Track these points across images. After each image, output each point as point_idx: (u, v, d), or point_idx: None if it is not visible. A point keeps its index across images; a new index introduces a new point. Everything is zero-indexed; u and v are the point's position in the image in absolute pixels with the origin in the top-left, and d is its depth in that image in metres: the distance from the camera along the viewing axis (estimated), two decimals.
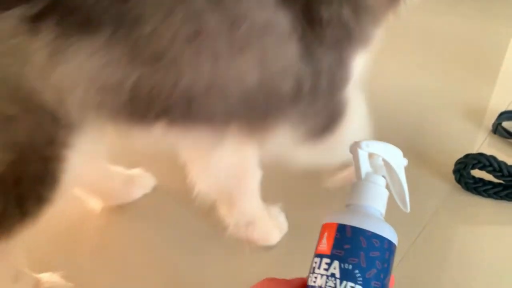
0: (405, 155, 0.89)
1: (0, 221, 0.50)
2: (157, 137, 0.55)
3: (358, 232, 0.30)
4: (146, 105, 0.51)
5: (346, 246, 0.30)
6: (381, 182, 0.34)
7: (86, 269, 0.65)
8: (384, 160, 0.35)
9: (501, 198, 0.72)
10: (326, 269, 0.30)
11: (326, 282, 0.29)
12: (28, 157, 0.49)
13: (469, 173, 0.73)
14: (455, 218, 0.72)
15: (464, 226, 0.71)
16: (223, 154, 0.60)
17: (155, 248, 0.68)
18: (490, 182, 0.73)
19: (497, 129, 0.87)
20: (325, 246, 0.31)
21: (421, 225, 0.70)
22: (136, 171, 0.76)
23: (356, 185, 0.34)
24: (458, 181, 0.75)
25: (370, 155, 0.35)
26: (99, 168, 0.68)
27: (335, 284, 0.29)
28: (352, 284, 0.29)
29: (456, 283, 0.62)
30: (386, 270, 0.31)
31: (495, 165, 0.71)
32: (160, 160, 0.72)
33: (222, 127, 0.56)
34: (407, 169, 0.84)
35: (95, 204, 0.72)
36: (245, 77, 0.51)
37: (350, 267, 0.29)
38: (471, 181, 0.73)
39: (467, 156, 0.74)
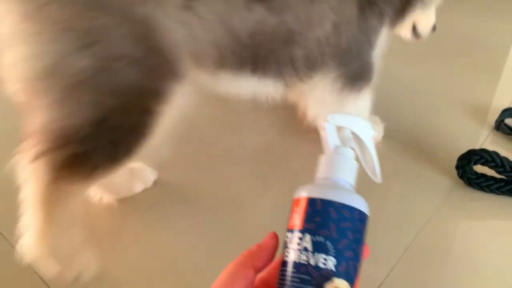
0: (408, 151, 0.90)
1: (89, 162, 0.52)
2: (250, 85, 0.67)
3: (327, 204, 0.30)
4: (255, 50, 0.60)
5: (317, 219, 0.30)
6: (349, 154, 0.34)
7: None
8: (352, 132, 0.34)
9: (503, 193, 0.73)
10: (299, 243, 0.30)
11: (299, 256, 0.29)
12: (131, 106, 0.51)
13: (471, 168, 0.74)
14: (458, 213, 0.73)
15: (466, 221, 0.72)
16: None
17: (155, 241, 0.69)
18: (492, 178, 0.74)
19: (500, 126, 0.87)
20: (297, 220, 0.31)
21: (424, 219, 0.71)
22: (137, 164, 0.76)
23: (324, 158, 0.34)
24: (461, 176, 0.75)
25: (339, 128, 0.34)
26: None
27: (308, 257, 0.29)
28: (325, 256, 0.29)
29: (458, 277, 0.63)
30: (358, 240, 0.31)
31: (498, 160, 0.72)
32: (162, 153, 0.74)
33: (299, 71, 0.67)
34: (410, 165, 0.85)
35: (100, 197, 0.73)
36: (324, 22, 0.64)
37: (322, 239, 0.29)
38: (474, 177, 0.74)
39: (469, 152, 0.75)
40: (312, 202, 0.31)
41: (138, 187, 0.75)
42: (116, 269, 0.65)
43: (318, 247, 0.29)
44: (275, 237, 0.32)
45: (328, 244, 0.29)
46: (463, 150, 0.77)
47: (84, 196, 0.68)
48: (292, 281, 0.29)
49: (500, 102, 0.96)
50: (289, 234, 0.31)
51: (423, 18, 0.80)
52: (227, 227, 0.69)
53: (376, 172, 0.36)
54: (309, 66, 0.68)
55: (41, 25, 0.47)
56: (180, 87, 0.54)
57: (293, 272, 0.29)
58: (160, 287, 0.62)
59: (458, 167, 0.76)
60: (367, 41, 0.71)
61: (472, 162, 0.73)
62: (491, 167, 0.73)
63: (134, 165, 0.75)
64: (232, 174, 0.80)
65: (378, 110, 0.99)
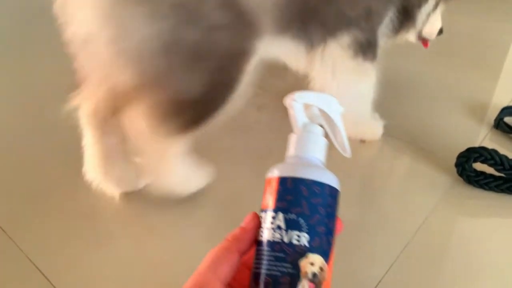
0: (407, 149, 0.90)
1: (189, 116, 0.60)
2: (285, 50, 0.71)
3: (298, 182, 0.30)
4: (303, 6, 0.65)
5: (289, 198, 0.30)
6: (317, 131, 0.34)
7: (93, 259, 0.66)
8: (319, 109, 0.34)
9: (502, 191, 0.73)
10: (272, 222, 0.30)
11: (273, 234, 0.30)
12: (228, 66, 0.59)
13: (471, 166, 0.74)
14: (457, 211, 0.73)
15: (465, 218, 0.72)
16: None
17: (158, 236, 0.70)
18: (491, 176, 0.74)
19: (499, 124, 0.87)
20: (269, 200, 0.31)
21: (423, 217, 0.71)
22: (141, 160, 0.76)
23: (293, 137, 0.34)
24: (460, 174, 0.75)
25: (306, 106, 0.34)
26: (117, 152, 0.72)
27: (282, 235, 0.30)
28: (298, 233, 0.29)
29: (457, 275, 0.63)
30: (330, 214, 0.32)
31: (497, 158, 0.72)
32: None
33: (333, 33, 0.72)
34: (409, 163, 0.85)
35: (108, 190, 0.74)
36: None
37: (294, 216, 0.30)
38: (473, 174, 0.74)
39: (469, 149, 0.74)
40: (283, 181, 0.31)
41: (141, 183, 0.75)
42: (120, 265, 0.65)
43: (291, 225, 0.30)
44: (256, 216, 0.33)
45: (301, 220, 0.30)
46: (462, 148, 0.76)
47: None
48: (268, 260, 0.30)
49: (500, 100, 0.96)
50: (262, 214, 0.32)
51: (428, 24, 0.83)
52: (231, 224, 0.68)
53: (345, 147, 0.36)
54: (338, 25, 0.73)
55: (154, 5, 0.52)
56: (260, 46, 0.62)
57: (268, 251, 0.30)
58: (164, 281, 0.62)
59: (457, 165, 0.76)
60: (382, 12, 0.77)
61: (472, 160, 0.73)
62: (490, 165, 0.73)
63: (139, 160, 0.76)
64: (234, 173, 0.80)
65: (377, 108, 0.99)
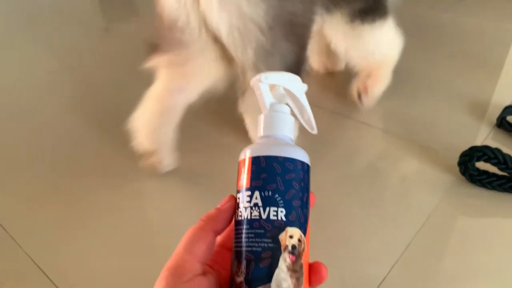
0: (409, 147, 0.90)
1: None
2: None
3: (271, 160, 0.31)
4: None
5: (263, 176, 0.31)
6: (285, 109, 0.35)
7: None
8: (285, 88, 0.35)
9: (505, 190, 0.73)
10: (249, 201, 0.31)
11: (251, 212, 0.31)
12: (305, 34, 0.74)
13: (473, 165, 0.73)
14: (459, 210, 0.73)
15: (467, 218, 0.72)
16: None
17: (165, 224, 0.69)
18: (494, 175, 0.73)
19: (502, 123, 0.87)
20: (244, 180, 0.32)
21: (425, 216, 0.71)
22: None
23: (262, 118, 0.35)
24: (463, 173, 0.75)
25: (272, 87, 0.35)
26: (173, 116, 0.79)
27: (259, 211, 0.30)
28: (275, 208, 0.30)
29: (459, 274, 0.62)
30: (304, 188, 0.32)
31: (500, 157, 0.71)
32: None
33: None
34: (411, 162, 0.85)
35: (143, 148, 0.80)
36: None
37: (270, 193, 0.31)
38: (476, 173, 0.74)
39: (472, 148, 0.74)
40: (256, 161, 0.32)
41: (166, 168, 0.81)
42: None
43: (267, 201, 0.31)
44: (233, 198, 0.33)
45: (277, 196, 0.31)
46: (465, 147, 0.76)
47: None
48: (248, 237, 0.30)
49: (502, 99, 0.95)
50: (239, 195, 0.32)
51: None
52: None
53: (312, 124, 0.37)
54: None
55: None
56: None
57: (247, 229, 0.31)
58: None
59: (460, 164, 0.75)
60: None
61: (475, 159, 0.73)
62: (493, 164, 0.73)
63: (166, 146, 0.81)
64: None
65: (381, 107, 0.98)
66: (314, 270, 0.32)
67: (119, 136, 0.84)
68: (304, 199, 0.32)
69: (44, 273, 0.66)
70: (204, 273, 0.31)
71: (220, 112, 0.96)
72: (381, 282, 0.62)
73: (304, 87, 0.36)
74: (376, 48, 0.92)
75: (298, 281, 0.30)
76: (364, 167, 0.82)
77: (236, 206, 0.33)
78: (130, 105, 0.98)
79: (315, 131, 0.37)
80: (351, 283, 0.62)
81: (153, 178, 0.81)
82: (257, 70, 0.69)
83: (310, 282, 0.31)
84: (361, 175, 0.80)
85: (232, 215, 0.33)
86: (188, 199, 0.78)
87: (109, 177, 0.84)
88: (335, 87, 1.08)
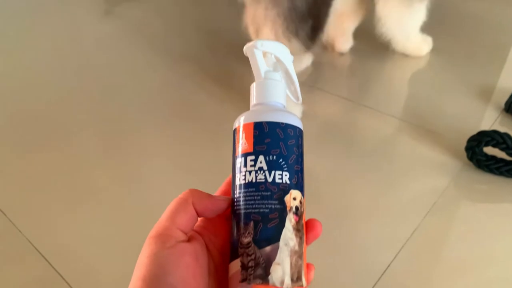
0: (416, 132, 0.88)
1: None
2: None
3: (274, 125, 0.32)
4: None
5: (267, 141, 0.32)
6: (278, 77, 0.36)
7: None
8: (276, 57, 0.36)
9: None
10: (253, 165, 0.32)
11: (256, 176, 0.32)
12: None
13: (481, 150, 0.72)
14: (466, 196, 0.72)
15: (475, 204, 0.71)
16: None
17: None
18: (502, 160, 0.72)
19: (510, 108, 0.85)
20: (246, 145, 0.33)
21: (431, 202, 0.70)
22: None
23: (258, 85, 0.35)
24: (470, 158, 0.74)
25: (264, 54, 0.36)
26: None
27: (265, 175, 0.32)
28: (280, 172, 0.32)
29: (465, 260, 0.62)
30: (301, 154, 0.34)
31: (509, 142, 0.70)
32: None
33: None
34: (418, 147, 0.84)
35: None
36: None
37: (274, 158, 0.32)
38: (484, 159, 0.72)
39: (480, 133, 0.72)
40: (259, 126, 0.33)
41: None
42: None
43: (272, 165, 0.32)
44: (228, 201, 0.34)
45: (281, 161, 0.32)
46: (472, 132, 0.75)
47: None
48: (254, 200, 0.31)
49: (510, 83, 0.93)
50: (240, 159, 0.33)
51: None
52: None
53: (298, 94, 0.38)
54: None
55: None
56: None
57: (253, 192, 0.32)
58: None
59: (467, 149, 0.74)
60: None
61: (483, 144, 0.71)
62: (502, 149, 0.71)
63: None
64: None
65: (387, 92, 0.96)
66: (309, 227, 0.33)
67: (113, 123, 0.82)
68: (302, 164, 0.34)
69: (42, 255, 0.66)
70: (188, 240, 0.32)
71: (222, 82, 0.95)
72: (386, 269, 0.61)
73: (292, 57, 0.37)
74: (416, 26, 1.04)
75: (301, 239, 0.32)
76: (370, 153, 0.81)
77: (229, 204, 0.33)
78: (129, 88, 0.97)
79: (299, 101, 0.37)
80: (356, 270, 0.62)
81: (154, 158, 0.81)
82: None
83: (306, 239, 0.33)
84: (368, 161, 0.79)
85: (218, 211, 0.33)
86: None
87: (106, 159, 0.83)
88: (343, 72, 1.06)
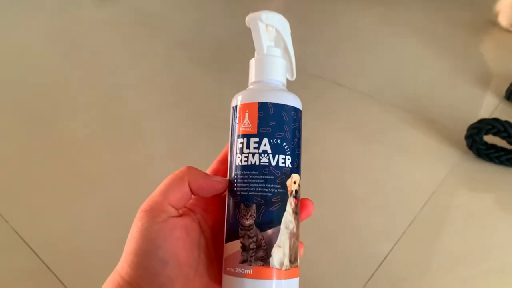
0: (415, 120, 0.87)
1: None
2: None
3: (279, 107, 0.32)
4: None
5: (272, 123, 0.31)
6: (280, 53, 0.34)
7: None
8: (277, 30, 0.34)
9: None
10: (257, 147, 0.31)
11: (260, 158, 0.31)
12: None
13: (482, 138, 0.70)
14: (465, 185, 0.70)
15: (474, 193, 0.69)
16: None
17: None
18: (503, 149, 0.70)
19: (511, 95, 0.83)
20: (250, 126, 0.32)
21: (430, 192, 0.68)
22: None
23: (259, 61, 0.34)
24: (470, 147, 0.72)
25: (265, 27, 0.34)
26: None
27: (269, 159, 0.31)
28: (283, 156, 0.32)
29: (464, 251, 0.60)
30: (301, 136, 0.34)
31: (510, 131, 0.68)
32: None
33: None
34: (416, 135, 0.82)
35: None
36: None
37: (279, 141, 0.31)
38: (484, 147, 0.71)
39: (481, 121, 0.71)
40: (264, 107, 0.32)
41: None
42: None
43: (276, 149, 0.31)
44: (226, 183, 0.33)
45: (284, 144, 0.32)
46: (472, 120, 0.73)
47: None
48: (257, 183, 0.31)
49: (511, 71, 0.92)
50: (241, 140, 0.32)
51: None
52: None
53: (293, 71, 0.36)
54: None
55: None
56: None
57: (256, 175, 0.31)
58: None
59: (467, 137, 0.72)
60: None
61: (483, 132, 0.69)
62: (502, 138, 0.69)
63: None
64: None
65: (385, 79, 0.94)
66: (303, 206, 0.34)
67: (109, 109, 0.80)
68: (301, 147, 0.34)
69: (29, 246, 0.64)
70: (180, 215, 0.32)
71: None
72: (384, 259, 0.60)
73: (290, 31, 0.35)
74: None
75: (298, 221, 0.32)
76: (368, 141, 0.79)
77: (226, 186, 0.33)
78: (123, 76, 0.95)
79: (293, 78, 0.36)
80: (353, 260, 0.60)
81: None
82: None
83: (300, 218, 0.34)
84: (365, 149, 0.77)
85: (213, 192, 0.33)
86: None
87: (99, 145, 0.81)
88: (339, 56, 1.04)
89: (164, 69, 1.03)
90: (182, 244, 0.31)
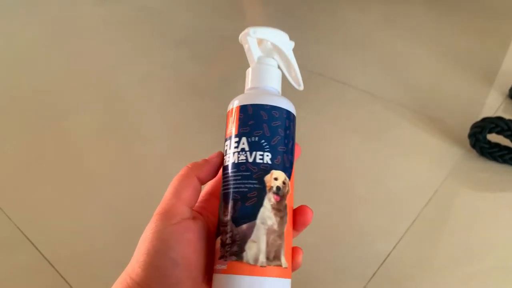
0: (418, 119, 0.86)
1: None
2: None
3: (258, 107, 0.33)
4: None
5: (250, 122, 0.33)
6: (272, 63, 0.36)
7: None
8: (272, 43, 0.36)
9: None
10: (236, 147, 0.33)
11: (238, 157, 0.32)
12: None
13: (485, 137, 0.70)
14: (468, 185, 0.70)
15: (477, 192, 0.69)
16: None
17: None
18: (506, 148, 0.70)
19: None
20: (232, 128, 0.34)
21: (432, 190, 0.68)
22: None
23: (251, 71, 0.36)
24: (473, 145, 0.72)
25: (260, 41, 0.36)
26: None
27: (246, 156, 0.32)
28: (261, 152, 0.32)
29: (467, 250, 0.60)
30: (289, 136, 0.34)
31: None
32: None
33: None
34: (419, 133, 0.82)
35: None
36: None
37: (256, 139, 0.32)
38: (487, 146, 0.70)
39: (484, 119, 0.70)
40: (244, 109, 0.33)
41: None
42: None
43: (254, 146, 0.32)
44: (221, 154, 0.35)
45: (263, 142, 0.32)
46: (475, 118, 0.73)
47: None
48: (235, 179, 0.32)
49: None
50: (227, 143, 0.34)
51: None
52: None
53: (298, 80, 0.38)
54: None
55: None
56: None
57: (234, 172, 0.32)
58: None
59: (471, 136, 0.72)
60: None
61: (487, 131, 0.69)
62: (506, 136, 0.69)
63: None
64: None
65: (388, 77, 0.94)
66: (299, 212, 0.33)
67: (109, 106, 0.80)
68: (289, 146, 0.34)
69: (31, 241, 0.64)
70: (193, 218, 0.33)
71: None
72: (386, 258, 0.60)
73: (291, 44, 0.37)
74: None
75: (282, 219, 0.32)
76: (370, 139, 0.79)
77: (223, 158, 0.35)
78: (125, 74, 0.95)
79: (301, 88, 0.37)
80: (355, 259, 0.60)
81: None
82: None
83: (296, 224, 0.33)
84: (367, 147, 0.77)
85: (218, 169, 0.35)
86: None
87: (100, 142, 0.81)
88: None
89: (166, 67, 1.03)
90: (194, 247, 0.31)
